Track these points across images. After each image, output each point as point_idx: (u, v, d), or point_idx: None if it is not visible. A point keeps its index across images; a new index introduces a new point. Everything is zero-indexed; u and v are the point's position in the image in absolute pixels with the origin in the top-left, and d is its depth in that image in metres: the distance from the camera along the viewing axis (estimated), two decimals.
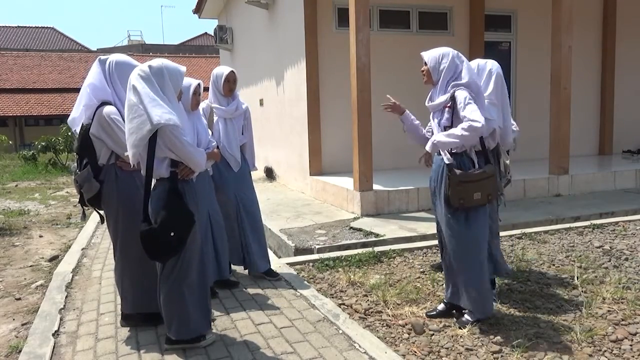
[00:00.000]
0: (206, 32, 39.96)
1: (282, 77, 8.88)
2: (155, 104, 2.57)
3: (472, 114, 2.86)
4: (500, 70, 3.49)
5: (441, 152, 3.05)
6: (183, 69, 2.79)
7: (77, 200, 3.19)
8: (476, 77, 3.11)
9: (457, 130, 2.91)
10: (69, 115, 3.12)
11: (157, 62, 2.72)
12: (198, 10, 13.31)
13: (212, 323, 3.15)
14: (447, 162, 3.01)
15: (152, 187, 2.72)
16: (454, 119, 3.00)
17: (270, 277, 4.02)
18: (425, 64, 3.12)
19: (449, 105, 3.01)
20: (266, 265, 4.08)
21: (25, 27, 38.43)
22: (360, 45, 5.93)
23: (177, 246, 2.68)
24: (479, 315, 3.10)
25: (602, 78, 9.49)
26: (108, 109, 2.92)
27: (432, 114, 3.19)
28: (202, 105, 3.85)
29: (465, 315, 3.15)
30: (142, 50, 34.45)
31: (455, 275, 3.16)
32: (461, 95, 2.94)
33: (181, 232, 2.66)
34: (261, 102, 10.33)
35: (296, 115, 8.30)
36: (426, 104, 3.19)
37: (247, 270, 4.16)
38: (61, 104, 26.98)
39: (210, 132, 3.56)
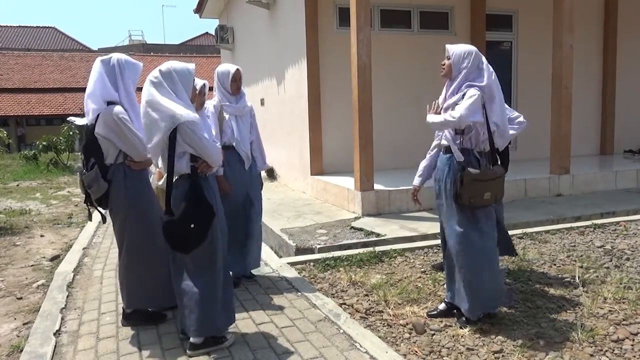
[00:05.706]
0: (207, 32, 40.04)
1: (283, 76, 8.89)
2: (171, 104, 2.67)
3: (457, 109, 2.95)
4: None
5: (453, 150, 3.06)
6: (192, 67, 2.83)
7: (83, 200, 3.21)
8: (495, 82, 3.07)
9: (440, 117, 3.06)
10: (70, 114, 3.13)
11: (166, 65, 2.77)
12: (199, 10, 13.32)
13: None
14: (458, 160, 3.03)
15: (174, 183, 2.79)
16: None
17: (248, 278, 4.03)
18: (448, 57, 3.10)
19: (460, 103, 3.04)
20: (258, 263, 4.09)
21: (26, 26, 38.50)
22: (361, 44, 5.93)
23: (197, 238, 2.72)
24: (477, 313, 3.08)
25: (603, 77, 9.47)
26: (116, 109, 2.94)
27: (443, 110, 3.19)
28: (213, 103, 3.85)
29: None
30: (143, 50, 34.46)
31: (457, 275, 3.15)
32: (471, 91, 2.98)
33: (201, 225, 2.71)
34: (262, 102, 10.33)
35: (297, 115, 8.30)
36: (439, 101, 3.20)
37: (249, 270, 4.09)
38: (62, 103, 27.01)
39: (213, 132, 3.55)
